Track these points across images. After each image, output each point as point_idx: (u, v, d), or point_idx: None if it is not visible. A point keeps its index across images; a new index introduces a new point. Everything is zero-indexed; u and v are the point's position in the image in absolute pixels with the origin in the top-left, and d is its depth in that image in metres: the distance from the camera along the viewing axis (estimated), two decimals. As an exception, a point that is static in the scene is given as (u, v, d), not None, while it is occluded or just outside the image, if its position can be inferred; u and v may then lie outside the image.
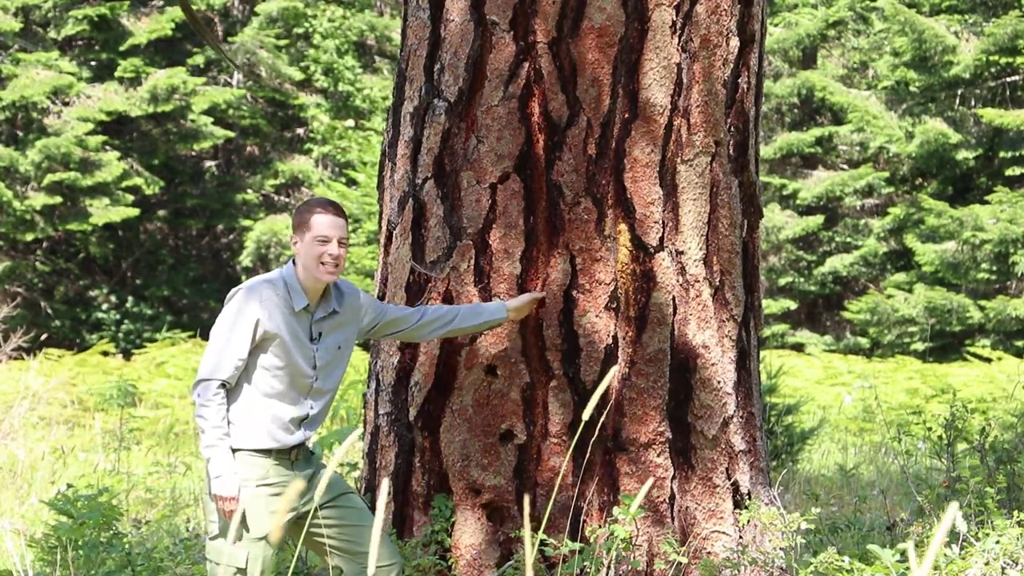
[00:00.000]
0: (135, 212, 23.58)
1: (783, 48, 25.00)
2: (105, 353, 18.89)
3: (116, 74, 24.20)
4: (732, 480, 5.50)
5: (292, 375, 4.54)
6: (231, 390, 4.52)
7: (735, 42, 5.51)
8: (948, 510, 1.94)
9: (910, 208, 23.39)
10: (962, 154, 22.89)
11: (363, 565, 4.62)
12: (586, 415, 2.45)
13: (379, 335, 4.96)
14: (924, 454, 9.50)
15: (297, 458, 4.59)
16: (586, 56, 5.27)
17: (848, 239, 24.77)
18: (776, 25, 25.60)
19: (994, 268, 21.36)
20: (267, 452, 4.52)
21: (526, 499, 2.26)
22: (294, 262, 4.64)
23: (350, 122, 26.45)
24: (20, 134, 23.54)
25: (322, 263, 4.57)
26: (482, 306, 5.08)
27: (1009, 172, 22.52)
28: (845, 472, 8.38)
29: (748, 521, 5.44)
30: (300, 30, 26.54)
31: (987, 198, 22.14)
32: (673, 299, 5.38)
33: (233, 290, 4.61)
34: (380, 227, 5.75)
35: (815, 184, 24.60)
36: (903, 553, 4.76)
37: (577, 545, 5.04)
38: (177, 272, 25.74)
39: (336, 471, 4.80)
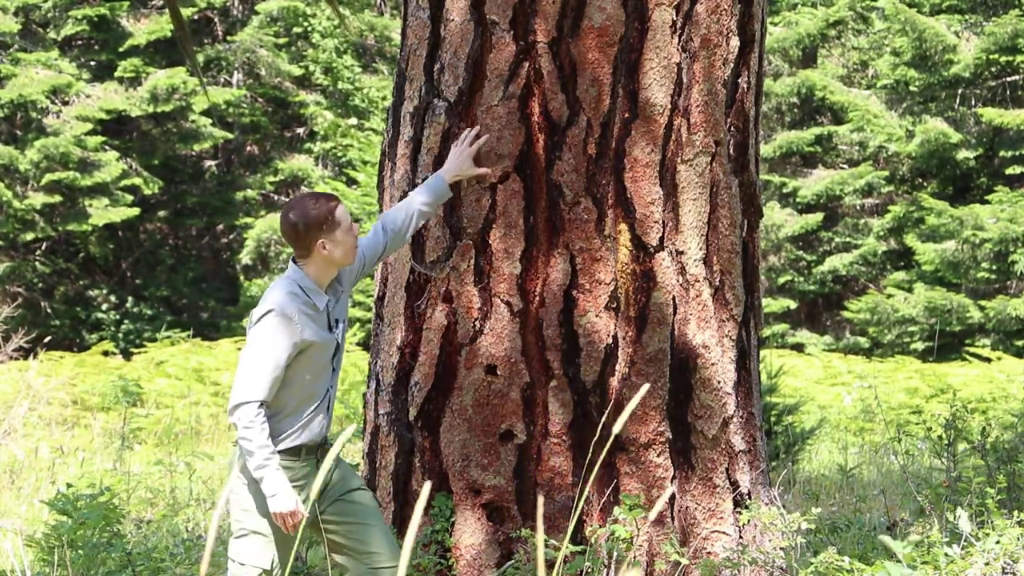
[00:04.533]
0: (135, 212, 23.57)
1: (783, 47, 25.00)
2: (105, 353, 18.89)
3: (116, 74, 24.20)
4: (732, 480, 5.50)
5: (319, 371, 4.56)
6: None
7: (735, 42, 5.51)
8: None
9: (910, 207, 23.39)
10: (962, 153, 22.87)
11: (368, 565, 4.59)
12: (617, 428, 2.42)
13: (367, 272, 4.91)
14: (924, 454, 9.50)
15: (322, 457, 4.58)
16: (586, 56, 5.27)
17: (848, 238, 24.77)
18: (776, 24, 25.60)
19: (994, 267, 21.34)
20: (297, 452, 4.52)
21: (539, 500, 2.26)
22: (294, 262, 4.59)
23: (352, 120, 26.45)
24: (19, 133, 23.54)
25: (356, 247, 4.61)
26: (431, 187, 4.99)
27: (1009, 171, 22.51)
28: (845, 472, 8.38)
29: (748, 521, 5.44)
30: (299, 29, 26.55)
31: (987, 197, 22.13)
32: (673, 299, 5.38)
33: (261, 309, 4.49)
34: (380, 227, 5.75)
35: (815, 183, 24.60)
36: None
37: (578, 548, 5.04)
38: (177, 272, 25.74)
39: (350, 467, 4.78)
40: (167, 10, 24.46)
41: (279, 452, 4.49)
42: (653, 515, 2.27)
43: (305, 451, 4.54)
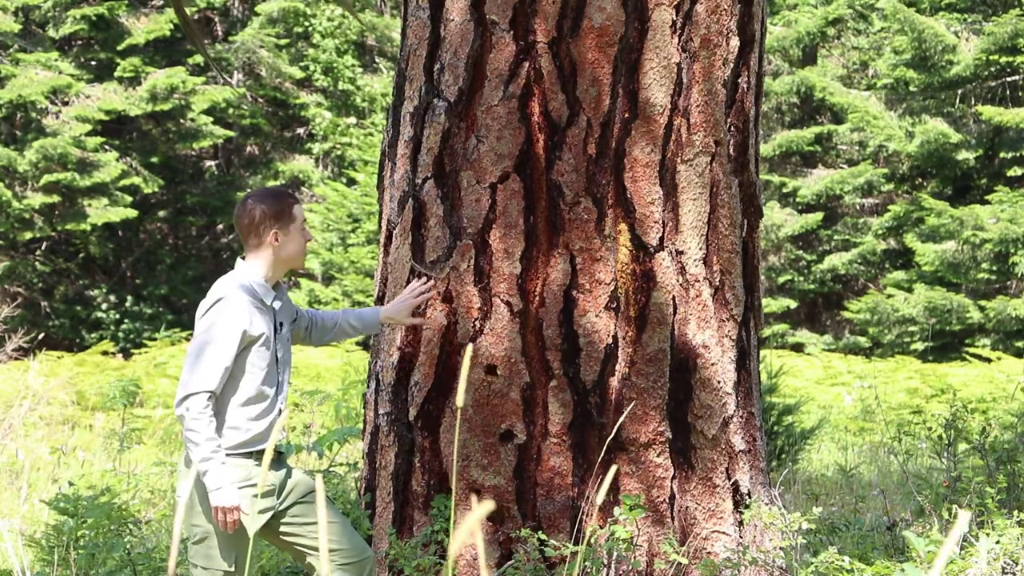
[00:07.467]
0: (133, 213, 23.58)
1: (783, 47, 24.99)
2: (105, 353, 18.89)
3: (115, 74, 24.20)
4: (732, 480, 5.50)
5: (268, 372, 4.54)
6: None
7: (735, 42, 5.51)
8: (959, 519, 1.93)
9: (910, 207, 23.38)
10: (962, 153, 22.86)
11: (336, 563, 4.60)
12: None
13: (298, 339, 4.96)
14: (924, 454, 9.50)
15: (276, 461, 4.60)
16: (586, 56, 5.27)
17: (847, 237, 24.77)
18: (776, 24, 25.60)
19: (994, 268, 21.33)
20: (249, 454, 4.51)
21: (474, 500, 2.26)
22: (243, 259, 4.61)
23: (352, 119, 26.45)
24: (19, 134, 23.54)
25: (305, 251, 4.68)
26: (362, 315, 5.10)
27: (1009, 172, 22.51)
28: (845, 472, 8.38)
29: (748, 521, 5.44)
30: (300, 29, 26.55)
31: (987, 198, 22.11)
32: (673, 299, 5.38)
33: (210, 299, 4.51)
34: (380, 227, 5.75)
35: (815, 182, 24.59)
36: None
37: (579, 548, 5.04)
38: (177, 271, 25.74)
39: (303, 470, 4.80)
40: (167, 8, 24.48)
41: (248, 453, 4.49)
42: (608, 483, 2.27)
43: (256, 456, 4.53)
